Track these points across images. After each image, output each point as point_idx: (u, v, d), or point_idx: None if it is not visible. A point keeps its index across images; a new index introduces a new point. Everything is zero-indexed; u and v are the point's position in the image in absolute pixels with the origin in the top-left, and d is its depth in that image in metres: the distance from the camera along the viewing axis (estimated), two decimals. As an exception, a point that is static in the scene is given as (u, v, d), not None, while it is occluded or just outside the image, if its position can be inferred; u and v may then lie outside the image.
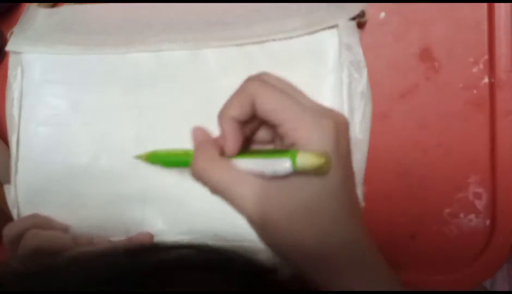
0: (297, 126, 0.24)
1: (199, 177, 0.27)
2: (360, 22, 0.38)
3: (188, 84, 0.40)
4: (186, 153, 0.36)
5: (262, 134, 0.28)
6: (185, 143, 0.39)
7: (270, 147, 0.30)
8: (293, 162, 0.22)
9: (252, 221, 0.25)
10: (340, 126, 0.24)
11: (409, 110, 0.40)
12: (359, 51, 0.37)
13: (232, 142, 0.26)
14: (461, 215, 0.40)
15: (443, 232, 0.40)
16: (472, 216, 0.39)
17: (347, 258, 0.24)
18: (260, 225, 0.25)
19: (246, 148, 0.29)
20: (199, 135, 0.30)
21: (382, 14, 0.40)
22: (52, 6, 0.45)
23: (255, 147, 0.30)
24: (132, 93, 0.41)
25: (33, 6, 0.43)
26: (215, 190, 0.26)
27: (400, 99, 0.40)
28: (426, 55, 0.39)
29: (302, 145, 0.23)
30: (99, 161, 0.41)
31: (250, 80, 0.26)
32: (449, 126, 0.39)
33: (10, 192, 0.41)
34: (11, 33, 0.43)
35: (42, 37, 0.42)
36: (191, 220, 0.40)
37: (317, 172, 0.22)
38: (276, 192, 0.24)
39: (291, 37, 0.38)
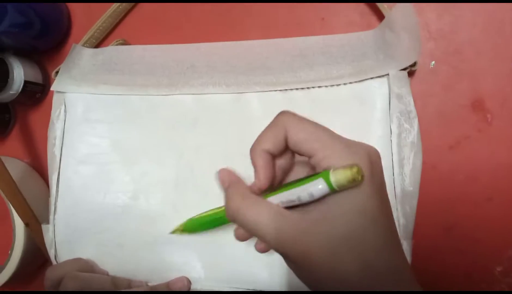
0: (329, 153, 0.23)
1: (234, 218, 0.26)
2: (410, 70, 0.37)
3: (228, 126, 0.40)
4: (219, 210, 0.34)
5: (296, 175, 0.28)
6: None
7: None
8: (327, 180, 0.22)
9: (293, 260, 0.24)
10: (372, 156, 0.24)
11: (458, 162, 0.38)
12: (410, 101, 0.36)
13: (264, 175, 0.25)
14: (513, 274, 0.37)
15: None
16: (526, 276, 0.37)
17: (391, 288, 0.23)
18: (301, 263, 0.24)
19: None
20: (227, 175, 0.29)
21: (432, 63, 0.39)
22: (96, 46, 0.46)
23: None
24: (173, 135, 0.41)
25: (79, 45, 0.44)
26: (251, 230, 0.25)
27: (449, 150, 0.38)
28: (478, 106, 0.38)
29: None
30: (138, 201, 0.41)
31: (282, 112, 0.26)
32: (501, 180, 0.37)
33: (48, 232, 0.41)
34: (56, 72, 0.44)
35: (86, 76, 0.43)
36: (230, 267, 0.39)
37: (352, 185, 0.22)
38: (313, 226, 0.23)
39: (337, 84, 0.37)
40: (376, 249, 0.23)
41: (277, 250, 0.24)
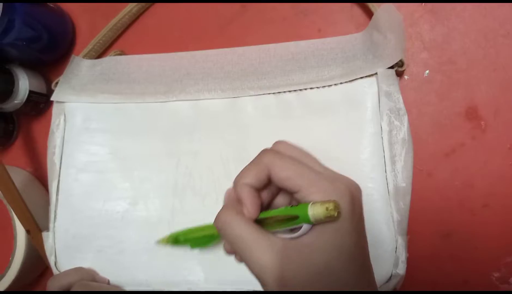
0: (313, 190, 0.24)
1: (221, 227, 0.26)
2: (398, 70, 0.37)
3: (225, 131, 0.41)
4: (205, 226, 0.34)
5: (280, 200, 0.28)
6: (222, 191, 0.39)
7: None
8: (304, 213, 0.23)
9: (268, 285, 0.24)
10: (354, 192, 0.25)
11: (454, 169, 0.38)
12: (399, 99, 0.36)
13: (251, 205, 0.26)
14: (511, 280, 0.37)
15: (491, 299, 0.38)
16: (522, 282, 0.37)
17: None
18: (276, 289, 0.24)
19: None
20: (230, 195, 0.29)
21: (426, 72, 0.39)
22: (96, 58, 0.47)
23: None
24: (171, 141, 0.41)
25: (78, 57, 0.45)
26: (234, 245, 0.26)
27: (445, 158, 0.39)
28: (472, 114, 0.38)
29: None
30: (137, 207, 0.41)
31: (265, 151, 0.27)
32: (496, 187, 0.38)
33: (48, 239, 0.42)
34: (56, 83, 0.45)
35: (85, 86, 0.44)
36: (232, 269, 0.38)
37: (329, 220, 0.23)
38: (294, 256, 0.24)
39: (329, 85, 0.38)
40: (345, 284, 0.24)
41: (256, 274, 0.25)
